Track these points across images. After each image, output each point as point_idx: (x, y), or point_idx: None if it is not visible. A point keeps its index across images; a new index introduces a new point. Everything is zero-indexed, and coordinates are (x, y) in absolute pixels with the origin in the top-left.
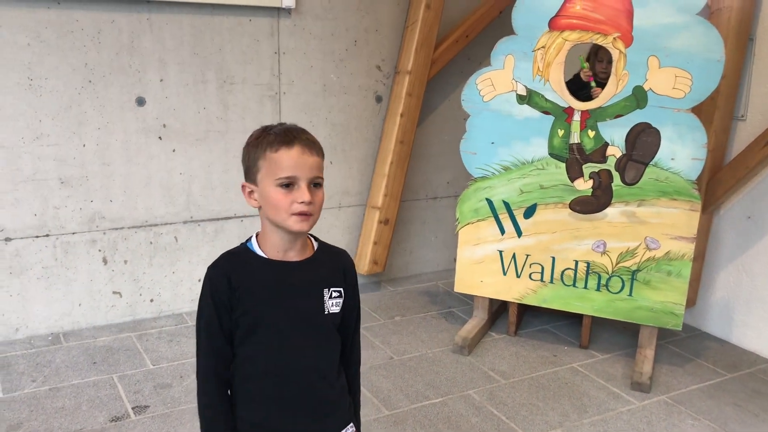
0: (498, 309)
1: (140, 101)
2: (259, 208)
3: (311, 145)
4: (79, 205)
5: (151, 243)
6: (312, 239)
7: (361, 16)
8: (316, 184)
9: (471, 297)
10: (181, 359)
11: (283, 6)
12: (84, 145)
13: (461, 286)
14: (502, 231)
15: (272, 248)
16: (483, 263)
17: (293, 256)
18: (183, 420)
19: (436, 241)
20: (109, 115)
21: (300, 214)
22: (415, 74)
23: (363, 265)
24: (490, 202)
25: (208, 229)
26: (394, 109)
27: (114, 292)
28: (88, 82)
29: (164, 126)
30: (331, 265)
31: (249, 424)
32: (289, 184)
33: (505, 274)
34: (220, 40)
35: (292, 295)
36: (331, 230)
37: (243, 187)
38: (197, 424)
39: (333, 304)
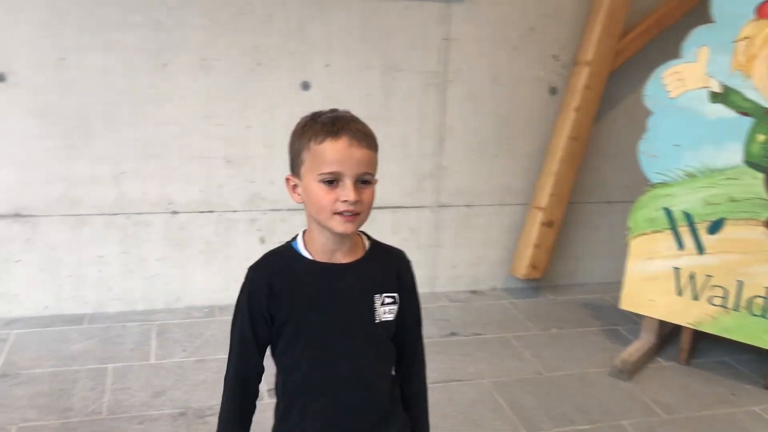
0: (669, 332)
1: (305, 86)
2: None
3: (361, 136)
4: (241, 184)
5: None
6: (364, 237)
7: (538, 1)
8: (364, 181)
9: (640, 316)
10: None
11: None
12: (249, 127)
13: (628, 303)
14: (681, 246)
15: (318, 249)
16: (655, 280)
17: (341, 257)
18: None
19: (608, 250)
20: (274, 98)
21: (344, 213)
22: (596, 65)
23: (520, 268)
24: (668, 212)
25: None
26: (569, 103)
27: None
28: (256, 65)
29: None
30: (384, 267)
31: None
32: (333, 180)
33: (680, 294)
34: (388, 27)
35: (338, 302)
36: (490, 229)
37: (287, 180)
38: None
39: (386, 311)
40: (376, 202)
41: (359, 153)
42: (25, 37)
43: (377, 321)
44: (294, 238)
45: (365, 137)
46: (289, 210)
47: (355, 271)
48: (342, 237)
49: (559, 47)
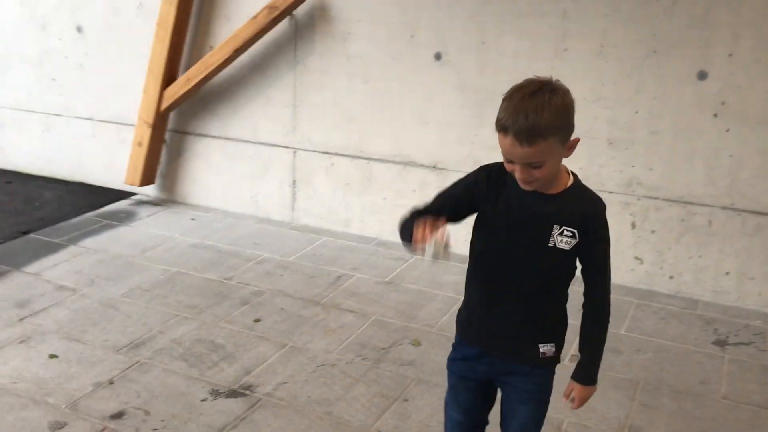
0: None
1: (701, 75)
2: None
3: (523, 137)
4: (620, 167)
5: (682, 220)
6: (571, 178)
7: None
8: (535, 165)
9: None
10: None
11: None
12: (636, 112)
13: None
14: None
15: None
16: None
17: (542, 189)
18: None
19: None
20: (666, 86)
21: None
22: None
23: None
24: None
25: (749, 222)
26: None
27: (635, 258)
28: (652, 52)
29: (723, 103)
30: (573, 206)
31: (461, 317)
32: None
33: None
34: None
35: (519, 219)
36: None
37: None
38: None
39: (562, 241)
40: None
41: (521, 151)
42: (458, 24)
43: (550, 244)
44: None
45: (527, 137)
46: (665, 200)
47: (543, 200)
48: None
49: None
